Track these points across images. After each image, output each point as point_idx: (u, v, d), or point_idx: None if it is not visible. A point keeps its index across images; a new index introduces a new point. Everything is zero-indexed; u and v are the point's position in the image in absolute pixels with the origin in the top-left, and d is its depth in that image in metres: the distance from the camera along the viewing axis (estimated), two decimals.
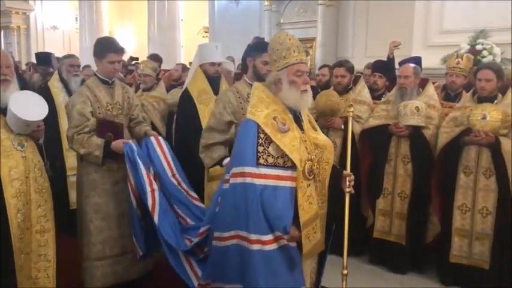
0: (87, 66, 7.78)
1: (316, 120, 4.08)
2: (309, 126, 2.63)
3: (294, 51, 2.46)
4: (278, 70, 2.49)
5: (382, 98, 4.68)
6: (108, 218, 3.51)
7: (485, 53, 6.09)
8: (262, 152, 2.39)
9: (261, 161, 2.38)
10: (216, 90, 4.16)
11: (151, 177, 3.20)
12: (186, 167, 3.57)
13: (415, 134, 4.05)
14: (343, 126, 4.47)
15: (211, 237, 2.64)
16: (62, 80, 5.08)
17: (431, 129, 4.06)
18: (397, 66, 5.39)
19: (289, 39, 2.47)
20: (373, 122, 4.28)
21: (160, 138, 3.53)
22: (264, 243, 2.34)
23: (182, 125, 4.25)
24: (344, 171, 2.68)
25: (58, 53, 15.62)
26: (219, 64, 4.19)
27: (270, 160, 2.38)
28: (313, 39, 9.32)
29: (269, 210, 2.33)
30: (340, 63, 4.80)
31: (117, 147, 3.32)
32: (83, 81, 4.90)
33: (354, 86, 4.68)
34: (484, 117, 3.68)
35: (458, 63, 4.35)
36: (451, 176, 3.96)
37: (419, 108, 3.93)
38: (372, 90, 4.84)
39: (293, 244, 2.41)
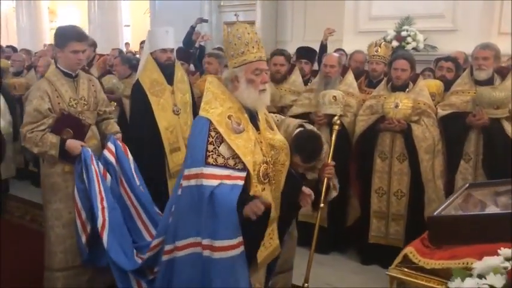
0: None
1: None
2: (266, 126, 2.49)
3: (253, 47, 2.29)
4: (235, 67, 2.33)
5: (309, 84, 4.81)
6: (70, 225, 3.23)
7: (409, 39, 6.35)
8: (212, 151, 2.25)
9: (210, 160, 2.24)
10: (169, 79, 3.96)
11: (103, 193, 3.04)
12: (143, 165, 3.43)
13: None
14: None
15: (162, 253, 2.50)
16: None
17: (349, 116, 4.24)
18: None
19: (248, 33, 2.29)
20: (296, 110, 4.39)
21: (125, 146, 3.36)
22: (225, 248, 2.22)
23: (136, 119, 4.08)
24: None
25: None
26: (172, 50, 3.96)
27: (220, 160, 2.25)
28: (253, 23, 9.35)
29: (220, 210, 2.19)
30: (280, 52, 4.86)
31: (73, 147, 3.08)
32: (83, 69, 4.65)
33: (289, 75, 4.76)
34: (396, 106, 3.90)
35: (377, 51, 4.54)
36: (368, 161, 4.16)
37: (337, 98, 4.09)
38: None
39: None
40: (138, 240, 3.14)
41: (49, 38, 15.19)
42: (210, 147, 2.25)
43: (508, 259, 1.39)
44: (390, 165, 4.07)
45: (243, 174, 2.26)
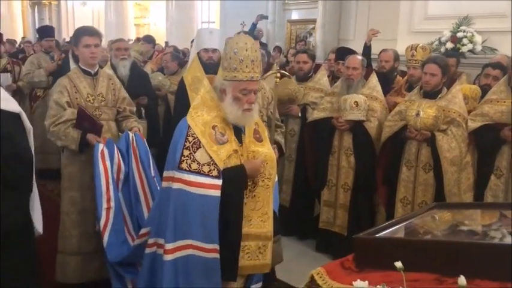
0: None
1: None
2: (252, 138, 2.45)
3: (247, 66, 2.23)
4: (225, 79, 2.30)
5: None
6: (85, 212, 3.42)
7: (465, 40, 5.90)
8: (187, 156, 2.25)
9: (183, 165, 2.25)
10: None
11: (110, 193, 3.17)
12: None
13: (357, 127, 4.09)
14: (300, 114, 4.58)
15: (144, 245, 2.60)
16: (112, 66, 4.85)
17: (373, 121, 4.08)
18: (375, 52, 5.41)
19: (246, 50, 2.23)
20: (317, 115, 4.32)
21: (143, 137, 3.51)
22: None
23: (176, 113, 4.25)
24: None
25: None
26: (214, 50, 4.03)
27: (194, 166, 2.24)
28: (314, 21, 9.24)
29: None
30: (303, 50, 4.92)
31: (92, 140, 3.27)
32: (134, 65, 4.92)
33: (315, 74, 4.73)
34: (417, 114, 3.67)
35: (413, 55, 4.31)
36: (394, 169, 3.97)
37: (359, 103, 3.96)
38: (335, 77, 4.88)
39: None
40: (141, 224, 3.22)
41: (134, 34, 16.06)
42: (186, 152, 2.26)
43: None
44: (415, 174, 3.85)
45: (218, 181, 2.24)
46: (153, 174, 3.36)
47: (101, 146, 3.24)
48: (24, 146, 2.16)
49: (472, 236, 2.03)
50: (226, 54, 2.27)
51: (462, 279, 1.27)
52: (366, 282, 1.30)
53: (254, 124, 2.48)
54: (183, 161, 2.25)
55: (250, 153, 2.39)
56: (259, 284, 2.65)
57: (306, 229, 4.62)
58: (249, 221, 2.38)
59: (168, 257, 2.29)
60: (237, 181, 2.31)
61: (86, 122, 3.36)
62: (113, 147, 3.29)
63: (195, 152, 2.25)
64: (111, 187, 3.20)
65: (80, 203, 3.45)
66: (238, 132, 2.40)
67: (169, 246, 2.29)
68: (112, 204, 3.18)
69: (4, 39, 8.25)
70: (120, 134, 3.61)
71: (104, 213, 3.12)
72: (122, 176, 3.31)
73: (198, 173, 2.23)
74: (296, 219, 4.62)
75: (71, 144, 3.32)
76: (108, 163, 3.23)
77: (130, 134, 3.40)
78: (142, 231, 2.75)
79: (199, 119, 2.31)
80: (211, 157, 2.25)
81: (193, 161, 2.24)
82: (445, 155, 3.66)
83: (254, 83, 2.29)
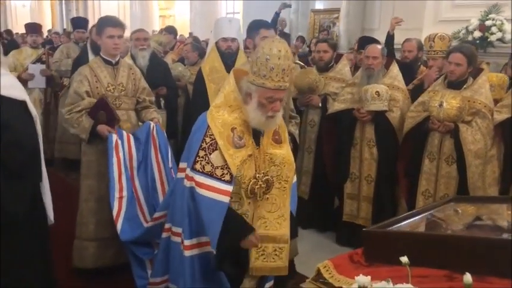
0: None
1: (295, 99, 4.17)
2: (270, 140, 2.38)
3: (277, 74, 2.13)
4: (252, 83, 2.21)
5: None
6: (102, 200, 3.44)
7: (494, 29, 5.69)
8: (202, 157, 2.23)
9: (197, 166, 2.23)
10: (229, 68, 3.81)
11: (123, 183, 3.22)
12: None
13: (379, 118, 4.01)
14: (320, 104, 4.51)
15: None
16: (132, 56, 4.86)
17: (395, 111, 4.00)
18: (399, 42, 5.28)
19: (279, 58, 2.11)
20: (338, 106, 4.24)
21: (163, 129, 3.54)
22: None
23: (194, 103, 4.20)
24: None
25: None
26: (233, 40, 3.90)
27: (207, 168, 2.22)
28: (339, 10, 9.08)
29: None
30: (324, 39, 4.90)
31: (102, 132, 3.31)
32: (153, 55, 4.95)
33: (336, 63, 4.65)
34: (441, 105, 3.57)
35: (431, 46, 4.21)
36: (416, 161, 3.89)
37: (380, 93, 3.87)
38: (358, 67, 4.79)
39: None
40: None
41: (159, 25, 16.12)
42: (201, 153, 2.23)
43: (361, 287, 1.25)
44: (438, 167, 3.75)
45: (229, 187, 2.21)
46: (170, 165, 3.40)
47: (114, 137, 3.28)
48: (27, 134, 2.12)
49: (496, 231, 1.96)
50: (258, 58, 2.17)
51: (468, 277, 1.21)
52: (369, 277, 1.25)
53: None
54: (197, 161, 2.23)
55: (267, 155, 2.34)
56: (271, 283, 2.62)
57: (325, 221, 4.58)
58: (265, 223, 2.35)
59: (187, 253, 2.30)
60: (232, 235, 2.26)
61: (104, 112, 3.37)
62: (123, 136, 3.34)
63: (210, 154, 2.22)
64: (123, 177, 3.25)
65: (97, 190, 3.50)
66: (257, 133, 2.34)
67: (187, 242, 2.30)
68: (124, 193, 3.23)
69: None
70: (140, 123, 3.64)
71: (116, 202, 3.18)
72: (135, 164, 3.35)
73: (211, 175, 2.21)
74: (315, 211, 4.58)
75: (82, 134, 3.39)
76: (121, 154, 3.28)
77: (152, 124, 3.43)
78: (156, 215, 2.82)
79: (220, 118, 2.27)
80: (225, 161, 2.21)
81: (208, 163, 2.22)
82: (469, 147, 3.55)
83: (282, 92, 2.21)
